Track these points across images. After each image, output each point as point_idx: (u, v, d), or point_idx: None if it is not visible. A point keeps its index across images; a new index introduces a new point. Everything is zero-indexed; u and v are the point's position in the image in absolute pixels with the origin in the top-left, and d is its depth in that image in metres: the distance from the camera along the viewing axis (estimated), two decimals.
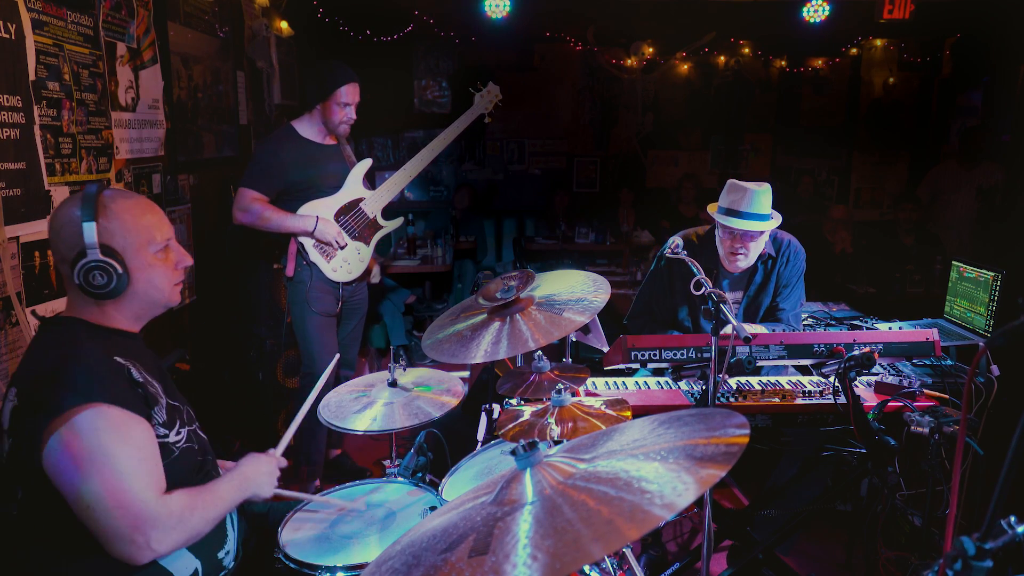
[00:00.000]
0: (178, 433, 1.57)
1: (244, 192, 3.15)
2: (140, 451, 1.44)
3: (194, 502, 1.49)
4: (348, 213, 3.29)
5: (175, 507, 1.45)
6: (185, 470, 1.57)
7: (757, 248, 2.74)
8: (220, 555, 1.64)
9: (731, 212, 2.65)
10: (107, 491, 1.37)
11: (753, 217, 2.63)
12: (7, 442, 1.44)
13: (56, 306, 2.43)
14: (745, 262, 2.75)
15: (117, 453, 1.39)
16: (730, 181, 2.71)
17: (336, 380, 3.33)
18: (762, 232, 2.68)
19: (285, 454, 1.80)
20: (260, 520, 1.92)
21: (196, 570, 1.57)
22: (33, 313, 2.32)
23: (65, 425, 1.36)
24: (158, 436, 1.50)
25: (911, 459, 2.51)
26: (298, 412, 1.92)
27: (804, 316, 3.47)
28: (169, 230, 1.62)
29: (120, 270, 1.49)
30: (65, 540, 1.45)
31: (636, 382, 2.66)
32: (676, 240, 2.44)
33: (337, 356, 2.43)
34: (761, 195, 2.62)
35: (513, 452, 1.08)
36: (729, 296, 2.88)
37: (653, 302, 2.97)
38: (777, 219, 2.71)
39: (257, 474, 1.67)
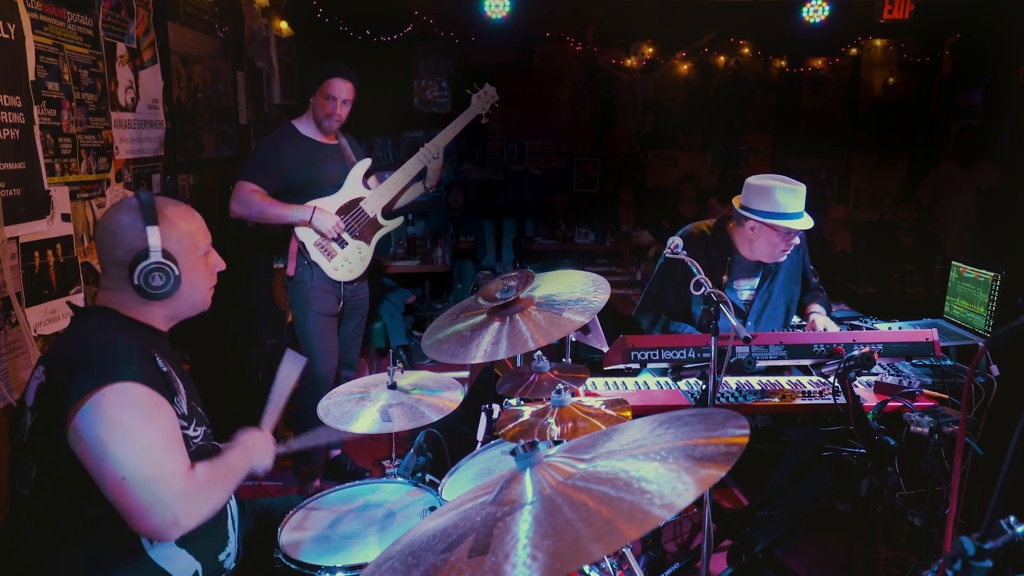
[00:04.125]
0: (195, 430, 1.59)
1: (242, 185, 3.15)
2: (169, 427, 1.47)
3: (214, 473, 1.53)
4: (348, 212, 3.29)
5: (202, 479, 1.48)
6: None
7: None
8: (221, 557, 1.64)
9: (783, 215, 2.65)
10: (144, 462, 1.39)
11: (801, 215, 2.67)
12: (31, 418, 1.45)
13: (55, 306, 2.43)
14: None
15: (150, 426, 1.42)
16: (768, 184, 2.65)
17: (337, 380, 3.34)
18: None
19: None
20: (264, 517, 1.92)
21: (197, 572, 1.57)
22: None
23: (96, 399, 1.38)
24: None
25: (911, 459, 2.51)
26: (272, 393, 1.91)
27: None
28: (209, 235, 1.68)
29: (177, 272, 1.56)
30: (68, 525, 1.46)
31: (636, 382, 2.66)
32: (676, 240, 2.44)
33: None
34: (803, 192, 2.66)
35: (513, 452, 1.08)
36: (745, 283, 2.88)
37: (665, 294, 2.96)
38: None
39: (255, 443, 1.71)
